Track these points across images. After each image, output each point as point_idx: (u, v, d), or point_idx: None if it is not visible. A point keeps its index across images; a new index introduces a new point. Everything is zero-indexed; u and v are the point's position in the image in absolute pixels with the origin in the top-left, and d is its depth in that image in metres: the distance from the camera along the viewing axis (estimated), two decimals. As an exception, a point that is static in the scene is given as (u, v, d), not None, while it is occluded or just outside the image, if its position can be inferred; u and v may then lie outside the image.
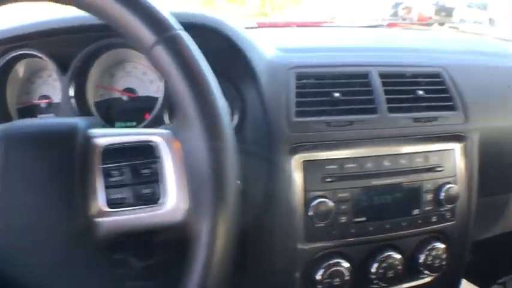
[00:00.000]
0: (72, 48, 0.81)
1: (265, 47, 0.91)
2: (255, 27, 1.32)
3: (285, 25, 1.35)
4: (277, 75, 0.86)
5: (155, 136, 0.58)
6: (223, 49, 0.83)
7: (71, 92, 0.83)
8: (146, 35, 0.51)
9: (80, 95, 0.84)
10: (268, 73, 0.86)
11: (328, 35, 1.30)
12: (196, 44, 0.77)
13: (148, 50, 0.52)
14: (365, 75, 0.90)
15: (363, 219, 0.86)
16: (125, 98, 0.88)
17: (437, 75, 0.95)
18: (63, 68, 0.81)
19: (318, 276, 0.85)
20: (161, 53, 0.51)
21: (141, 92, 0.88)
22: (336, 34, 1.32)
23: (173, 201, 0.54)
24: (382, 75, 0.91)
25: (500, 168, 1.01)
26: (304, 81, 0.87)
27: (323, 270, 0.84)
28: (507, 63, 1.12)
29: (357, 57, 0.95)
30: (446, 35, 1.34)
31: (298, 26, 1.34)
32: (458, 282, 1.02)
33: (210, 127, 0.52)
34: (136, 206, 0.52)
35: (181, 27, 0.57)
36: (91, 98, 0.87)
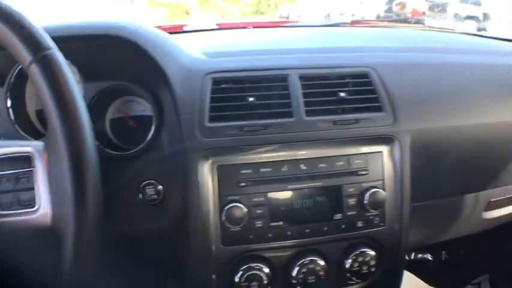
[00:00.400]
0: (5, 63, 0.82)
1: (184, 53, 0.92)
2: (215, 29, 1.33)
3: (244, 26, 1.34)
4: (192, 81, 0.86)
5: (28, 148, 0.62)
6: (138, 57, 0.85)
7: (9, 103, 0.84)
8: (24, 54, 0.58)
9: (18, 105, 0.88)
10: (183, 79, 0.86)
11: (266, 36, 1.28)
12: (112, 53, 0.80)
13: (26, 68, 0.58)
14: (284, 79, 0.89)
15: (280, 223, 0.85)
16: None
17: (364, 75, 0.92)
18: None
19: (236, 279, 0.84)
20: (35, 72, 0.57)
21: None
22: (273, 35, 1.29)
23: (45, 206, 0.61)
24: (303, 78, 0.89)
25: (435, 171, 0.97)
26: (221, 86, 0.87)
27: (241, 273, 0.84)
28: (454, 58, 1.07)
29: (278, 60, 0.93)
30: (392, 33, 1.29)
31: (255, 27, 1.33)
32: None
33: (71, 142, 0.59)
34: (16, 210, 0.60)
35: (54, 46, 0.60)
36: (31, 106, 0.89)
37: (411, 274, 1.42)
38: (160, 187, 0.83)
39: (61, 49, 0.63)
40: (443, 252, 1.72)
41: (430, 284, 1.48)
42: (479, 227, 1.23)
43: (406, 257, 1.66)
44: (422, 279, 1.47)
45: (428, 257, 1.70)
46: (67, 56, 0.80)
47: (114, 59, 0.84)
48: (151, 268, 0.97)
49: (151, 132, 0.86)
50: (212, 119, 0.84)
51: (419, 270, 1.62)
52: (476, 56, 1.14)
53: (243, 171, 0.82)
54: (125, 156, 0.83)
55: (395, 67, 0.96)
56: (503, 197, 1.12)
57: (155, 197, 0.83)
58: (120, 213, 0.89)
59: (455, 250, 1.71)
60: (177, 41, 0.93)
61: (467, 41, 1.37)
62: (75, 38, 0.80)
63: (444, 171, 0.96)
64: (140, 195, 0.83)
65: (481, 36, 1.50)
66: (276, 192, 0.84)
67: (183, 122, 0.83)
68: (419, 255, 1.69)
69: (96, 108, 0.83)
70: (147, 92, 0.87)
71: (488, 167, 1.05)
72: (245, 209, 0.82)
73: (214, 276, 0.86)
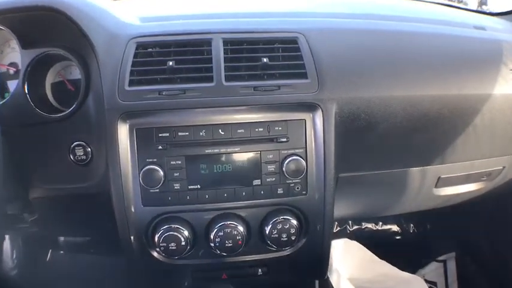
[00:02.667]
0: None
1: (111, 19, 0.90)
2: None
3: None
4: (116, 46, 0.85)
5: None
6: (66, 25, 0.84)
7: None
8: None
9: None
10: (107, 44, 0.85)
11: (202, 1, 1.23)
12: (45, 22, 0.85)
13: None
14: (207, 43, 0.87)
15: (197, 187, 0.84)
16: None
17: (293, 41, 0.88)
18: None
19: (156, 239, 0.85)
20: None
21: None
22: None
23: None
24: (227, 43, 0.86)
25: (365, 143, 0.93)
26: (144, 50, 0.85)
27: (160, 233, 0.84)
28: (403, 27, 0.99)
29: (204, 25, 0.90)
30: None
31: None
32: (323, 260, 0.96)
33: None
34: None
35: None
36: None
37: (360, 245, 1.38)
38: (88, 149, 0.84)
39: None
40: (411, 225, 1.68)
41: (392, 260, 1.45)
42: (433, 204, 1.19)
43: (372, 226, 1.64)
44: (382, 255, 1.43)
45: (394, 228, 1.69)
46: (6, 25, 0.82)
47: (47, 28, 0.84)
48: (81, 226, 1.00)
49: (80, 95, 0.85)
50: (132, 83, 0.83)
51: (382, 241, 1.60)
52: (435, 26, 1.07)
53: (161, 135, 0.81)
54: (57, 119, 0.83)
55: (327, 33, 0.91)
56: (453, 175, 1.04)
57: (84, 157, 0.85)
58: (52, 172, 0.91)
59: (422, 224, 1.67)
60: (108, 6, 0.92)
61: (436, 12, 1.28)
62: (10, 10, 0.82)
63: (376, 143, 0.91)
64: (71, 156, 0.85)
65: (458, 7, 1.41)
66: (194, 156, 0.83)
67: (104, 85, 0.83)
68: (385, 226, 1.67)
69: (35, 74, 0.84)
70: (76, 58, 0.86)
71: (432, 142, 0.98)
72: (162, 172, 0.81)
73: (134, 235, 0.86)
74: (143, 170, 0.81)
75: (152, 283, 0.93)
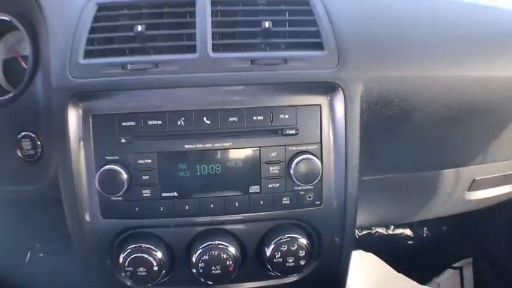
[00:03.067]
0: None
1: None
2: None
3: None
4: (70, 8, 0.66)
5: None
6: None
7: None
8: None
9: None
10: (60, 6, 0.66)
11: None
12: None
13: None
14: (191, 2, 0.65)
15: (174, 194, 0.64)
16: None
17: (303, 1, 0.66)
18: None
19: (121, 261, 0.65)
20: None
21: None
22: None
23: None
24: (216, 3, 0.65)
25: (396, 137, 0.72)
26: (107, 13, 0.65)
27: (127, 253, 0.64)
28: None
29: None
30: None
31: None
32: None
33: None
34: None
35: None
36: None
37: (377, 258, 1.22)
38: (38, 142, 0.67)
39: None
40: (425, 228, 1.53)
41: (405, 267, 1.28)
42: (461, 209, 0.99)
43: (383, 231, 1.47)
44: (394, 262, 1.25)
45: (407, 232, 1.53)
46: None
47: None
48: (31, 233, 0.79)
49: (27, 73, 0.65)
50: (88, 54, 0.62)
51: (393, 247, 1.45)
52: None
53: (125, 124, 0.62)
54: (1, 102, 0.66)
55: None
56: (491, 176, 0.88)
57: (32, 152, 0.67)
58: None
59: (436, 227, 1.51)
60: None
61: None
62: None
63: (408, 137, 0.73)
64: (18, 152, 0.68)
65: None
66: (170, 153, 0.63)
67: (53, 58, 0.63)
68: (397, 230, 1.51)
69: None
70: (24, 25, 0.66)
71: (474, 137, 0.79)
72: (126, 174, 0.61)
73: (92, 255, 0.67)
74: (100, 171, 0.61)
75: None
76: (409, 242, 1.56)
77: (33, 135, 0.67)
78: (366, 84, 0.65)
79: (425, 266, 1.46)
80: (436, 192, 0.87)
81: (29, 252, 1.35)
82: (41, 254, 1.35)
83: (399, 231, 1.56)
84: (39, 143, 0.67)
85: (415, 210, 0.95)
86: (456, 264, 1.44)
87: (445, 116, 0.72)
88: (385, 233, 1.50)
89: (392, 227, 1.52)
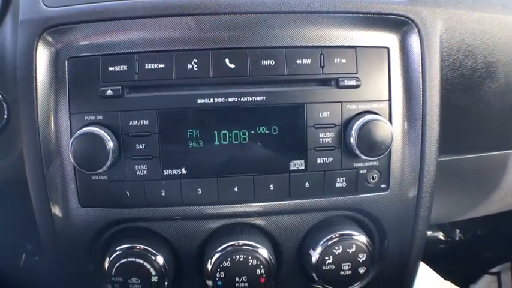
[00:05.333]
0: None
1: None
2: None
3: None
4: None
5: None
6: None
7: None
8: None
9: None
10: None
11: None
12: None
13: None
14: None
15: (182, 172, 0.44)
16: None
17: None
18: None
19: (106, 267, 0.46)
20: None
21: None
22: None
23: None
24: None
25: (471, 100, 0.54)
26: None
27: (112, 259, 0.46)
28: None
29: None
30: None
31: None
32: None
33: None
34: None
35: None
36: None
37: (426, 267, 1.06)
38: (4, 104, 0.51)
39: None
40: (457, 231, 1.33)
41: (436, 272, 1.16)
42: None
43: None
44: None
45: (440, 235, 1.35)
46: None
47: None
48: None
49: None
50: None
51: (425, 253, 1.31)
52: None
53: (113, 68, 0.44)
54: None
55: None
56: None
57: None
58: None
59: (471, 230, 1.34)
60: None
61: None
62: None
63: (491, 103, 0.55)
64: None
65: None
66: (175, 112, 0.45)
67: None
68: (428, 233, 1.35)
69: None
70: None
71: None
72: (112, 140, 0.43)
73: (68, 257, 0.49)
74: (76, 135, 0.43)
75: None
76: (441, 246, 1.39)
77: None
78: (446, 22, 0.49)
79: (460, 272, 1.31)
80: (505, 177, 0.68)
81: (24, 255, 1.21)
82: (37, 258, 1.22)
83: (429, 233, 1.41)
84: (5, 105, 0.51)
85: (479, 202, 0.76)
86: (493, 270, 1.29)
87: None
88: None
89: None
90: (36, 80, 0.45)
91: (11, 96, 0.51)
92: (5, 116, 0.51)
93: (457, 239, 1.47)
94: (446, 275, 1.11)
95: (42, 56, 0.44)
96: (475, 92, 0.54)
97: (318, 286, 0.51)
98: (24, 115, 0.46)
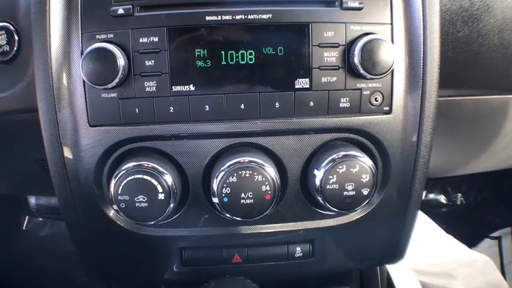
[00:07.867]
0: None
1: None
2: None
3: None
4: None
5: None
6: None
7: None
8: None
9: None
10: None
11: None
12: None
13: None
14: None
15: (190, 88, 0.44)
16: None
17: None
18: None
19: (112, 188, 0.45)
20: None
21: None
22: None
23: None
24: None
25: (469, 37, 0.53)
26: None
27: (119, 178, 0.45)
28: None
29: None
30: None
31: None
32: (406, 229, 0.55)
33: None
34: None
35: None
36: None
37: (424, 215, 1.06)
38: (16, 37, 0.51)
39: None
40: (459, 195, 1.36)
41: None
42: None
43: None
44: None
45: (442, 199, 1.37)
46: None
47: None
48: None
49: None
50: None
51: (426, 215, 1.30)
52: None
53: None
54: None
55: None
56: None
57: (7, 48, 0.51)
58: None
59: (471, 193, 1.35)
60: None
61: None
62: None
63: (490, 39, 0.54)
64: None
65: None
66: (184, 29, 0.44)
67: None
68: (429, 196, 1.36)
69: None
70: None
71: None
72: (123, 58, 0.43)
73: (75, 179, 0.48)
74: (88, 50, 0.43)
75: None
76: (443, 210, 1.42)
77: (11, 26, 0.51)
78: None
79: (460, 235, 1.26)
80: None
81: (27, 218, 1.25)
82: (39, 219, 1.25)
83: (431, 196, 1.39)
84: (16, 37, 0.51)
85: (478, 152, 0.75)
86: (494, 234, 1.30)
87: None
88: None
89: (424, 192, 1.34)
90: (49, 1, 0.45)
91: (21, 28, 0.51)
92: (15, 50, 0.51)
93: (459, 203, 1.47)
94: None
95: None
96: (474, 24, 0.53)
97: (319, 210, 0.50)
98: (37, 36, 0.46)
